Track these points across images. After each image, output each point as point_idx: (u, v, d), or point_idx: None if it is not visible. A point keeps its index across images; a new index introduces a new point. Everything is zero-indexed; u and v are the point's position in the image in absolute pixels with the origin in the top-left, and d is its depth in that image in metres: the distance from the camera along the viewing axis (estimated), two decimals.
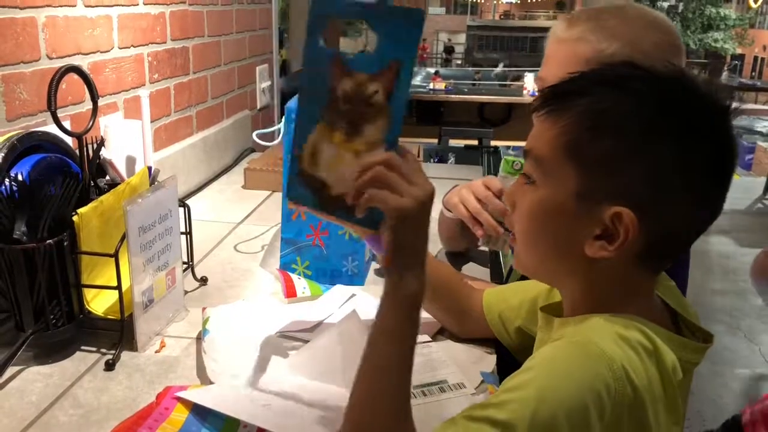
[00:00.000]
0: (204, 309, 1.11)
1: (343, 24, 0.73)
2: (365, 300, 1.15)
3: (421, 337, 1.07)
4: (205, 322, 1.06)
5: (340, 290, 1.19)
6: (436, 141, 6.00)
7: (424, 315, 1.10)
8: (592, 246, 0.69)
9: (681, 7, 23.79)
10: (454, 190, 1.26)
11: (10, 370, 0.96)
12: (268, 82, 2.57)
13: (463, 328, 1.08)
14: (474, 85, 7.26)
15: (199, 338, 1.06)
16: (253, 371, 0.95)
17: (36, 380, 0.95)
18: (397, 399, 0.69)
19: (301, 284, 1.22)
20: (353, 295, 1.18)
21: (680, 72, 0.70)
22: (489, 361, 1.03)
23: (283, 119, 1.24)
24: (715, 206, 0.71)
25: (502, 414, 0.59)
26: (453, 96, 6.42)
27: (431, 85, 6.48)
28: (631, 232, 0.66)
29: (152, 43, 1.62)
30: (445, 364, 1.00)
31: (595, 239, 0.68)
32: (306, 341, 1.03)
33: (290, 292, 1.20)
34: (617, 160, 0.66)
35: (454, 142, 6.04)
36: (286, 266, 1.30)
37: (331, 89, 0.70)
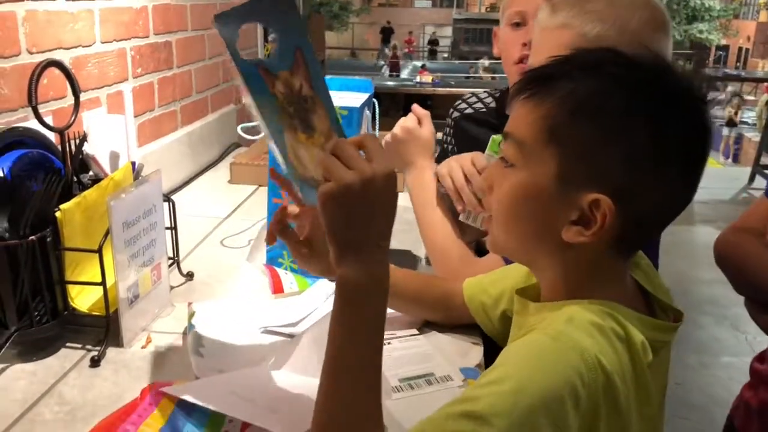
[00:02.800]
0: (190, 304, 1.10)
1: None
2: None
3: (408, 330, 1.07)
4: (190, 316, 1.06)
5: (324, 284, 1.19)
6: None
7: None
8: (568, 231, 0.69)
9: None
10: (446, 160, 1.27)
11: None
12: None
13: (448, 319, 1.09)
14: (467, 78, 7.24)
15: (185, 333, 1.05)
16: (238, 366, 0.94)
17: (20, 378, 0.94)
18: (353, 397, 0.66)
19: (289, 279, 1.22)
20: None
21: (659, 59, 0.70)
22: (476, 352, 1.03)
23: None
24: (689, 192, 0.71)
25: (479, 408, 0.59)
26: (440, 89, 6.42)
27: (418, 78, 6.49)
28: (608, 218, 0.67)
29: (135, 38, 1.61)
30: (431, 356, 1.01)
31: (572, 224, 0.69)
32: (291, 336, 1.02)
33: (277, 288, 1.20)
34: (596, 145, 0.67)
35: (440, 136, 6.05)
36: (272, 261, 1.29)
37: (273, 96, 0.70)
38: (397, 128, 1.27)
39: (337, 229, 0.67)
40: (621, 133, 0.67)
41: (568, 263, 0.73)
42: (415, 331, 1.07)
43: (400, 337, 1.05)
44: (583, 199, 0.67)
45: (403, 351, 1.02)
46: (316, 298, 1.15)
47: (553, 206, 0.70)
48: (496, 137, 1.16)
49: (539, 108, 0.69)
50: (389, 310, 1.08)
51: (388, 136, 1.28)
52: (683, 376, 3.18)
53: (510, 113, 0.75)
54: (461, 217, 1.19)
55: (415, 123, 1.26)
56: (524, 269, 0.90)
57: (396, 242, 1.41)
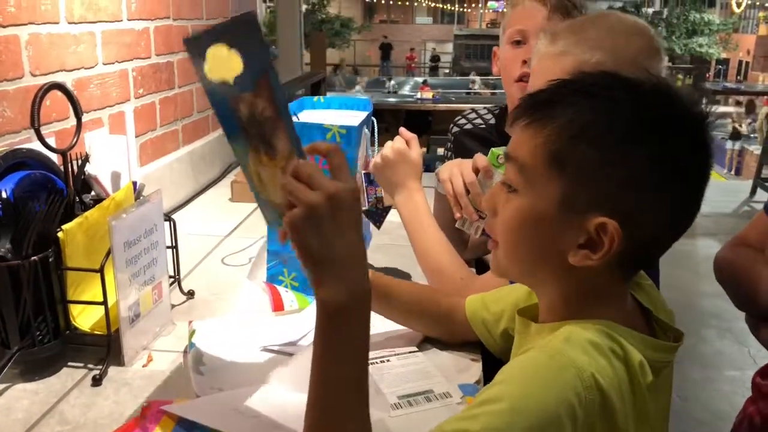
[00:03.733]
0: (190, 322, 1.11)
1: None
2: None
3: (407, 348, 1.08)
4: (191, 335, 1.06)
5: None
6: (425, 150, 6.02)
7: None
8: (575, 255, 0.69)
9: (666, 12, 24.03)
10: (448, 163, 1.28)
11: None
12: None
13: (451, 335, 1.10)
14: (467, 94, 7.26)
15: (185, 351, 1.06)
16: (238, 384, 0.95)
17: (22, 397, 0.95)
18: (339, 413, 0.66)
19: (289, 297, 1.23)
20: None
21: (659, 81, 0.71)
22: (475, 369, 1.04)
23: None
24: (692, 212, 0.72)
25: (476, 426, 0.59)
26: (441, 105, 6.45)
27: (419, 95, 6.52)
28: (615, 242, 0.67)
29: (137, 58, 1.63)
30: (430, 374, 1.01)
31: (579, 248, 0.69)
32: (291, 354, 1.03)
33: (277, 306, 1.20)
34: (599, 169, 0.67)
35: (442, 151, 6.07)
36: (273, 278, 1.30)
37: (237, 118, 0.70)
38: (387, 150, 1.28)
39: (310, 251, 0.66)
40: (622, 157, 0.67)
41: (571, 285, 0.73)
42: (414, 348, 1.08)
43: (399, 354, 1.06)
44: (589, 223, 0.68)
45: (402, 368, 1.02)
46: (314, 317, 1.15)
47: (557, 230, 0.70)
48: (495, 150, 1.17)
49: (540, 133, 0.70)
50: (391, 327, 1.09)
51: (377, 157, 1.29)
52: (687, 390, 3.17)
53: (511, 136, 0.75)
54: (457, 224, 1.22)
55: (405, 145, 1.28)
56: (525, 288, 0.91)
57: (388, 259, 1.43)
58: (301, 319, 1.15)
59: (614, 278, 0.72)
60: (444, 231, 1.26)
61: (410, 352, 1.06)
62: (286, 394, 0.92)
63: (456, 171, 1.22)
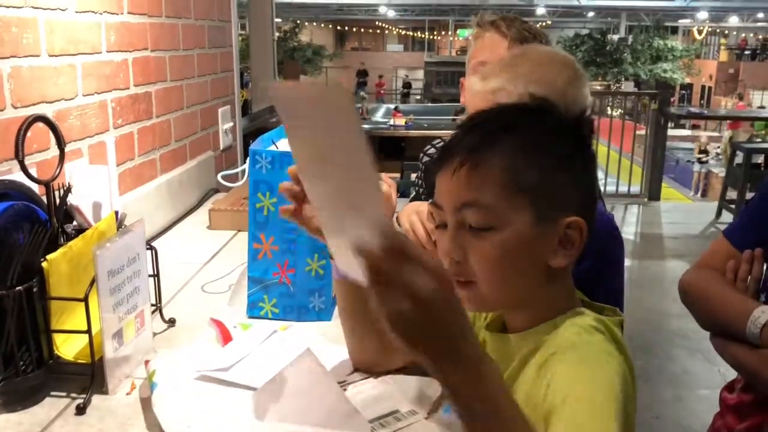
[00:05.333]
0: (147, 362, 1.10)
1: None
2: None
3: (359, 374, 1.09)
4: (151, 375, 1.05)
5: (260, 329, 1.22)
6: (398, 175, 6.07)
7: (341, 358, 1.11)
8: (555, 258, 0.79)
9: (630, 39, 24.61)
10: (406, 209, 1.33)
11: None
12: (231, 123, 2.60)
13: (397, 359, 1.06)
14: (454, 120, 7.33)
15: (151, 392, 1.02)
16: (207, 420, 0.95)
17: (6, 428, 0.95)
18: None
19: (237, 332, 1.22)
20: (274, 331, 1.22)
21: (543, 100, 0.85)
22: (432, 385, 1.03)
23: (247, 161, 1.27)
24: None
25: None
26: (413, 131, 6.52)
27: (392, 121, 6.58)
28: (583, 233, 0.79)
29: (115, 89, 1.65)
30: (390, 395, 1.03)
31: (556, 251, 0.79)
32: (247, 385, 1.04)
33: (226, 339, 1.20)
34: (553, 176, 0.79)
35: (414, 177, 6.12)
36: (253, 305, 1.32)
37: None
38: None
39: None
40: (566, 160, 0.80)
41: (549, 286, 0.82)
42: (366, 375, 1.08)
43: (354, 382, 1.07)
44: (559, 225, 0.78)
45: (362, 395, 1.03)
46: (251, 343, 1.17)
47: (537, 244, 0.79)
48: None
49: (492, 170, 0.77)
50: (339, 357, 1.09)
51: None
52: (660, 409, 3.22)
53: (448, 181, 0.80)
54: None
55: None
56: None
57: None
58: (236, 346, 1.16)
59: (568, 269, 0.83)
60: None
61: (363, 379, 1.07)
62: (272, 425, 0.94)
63: (415, 219, 1.28)
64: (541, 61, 1.18)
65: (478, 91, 1.18)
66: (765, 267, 1.19)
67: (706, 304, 1.22)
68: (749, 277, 1.18)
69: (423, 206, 1.28)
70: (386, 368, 1.07)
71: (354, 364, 1.10)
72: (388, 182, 1.35)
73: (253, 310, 1.33)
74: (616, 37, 24.91)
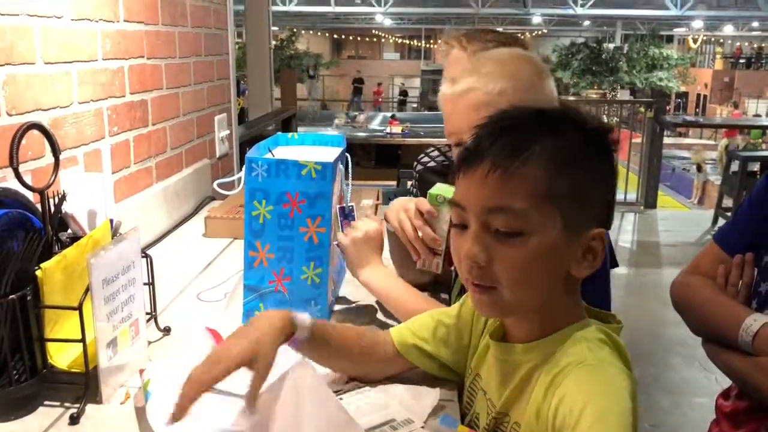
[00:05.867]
0: (142, 371, 1.08)
1: None
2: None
3: (353, 383, 1.08)
4: (145, 385, 1.03)
5: None
6: (395, 183, 6.08)
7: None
8: (579, 267, 0.81)
9: (626, 48, 24.69)
10: (393, 206, 1.34)
11: None
12: (227, 131, 2.60)
13: (373, 371, 1.09)
14: (435, 128, 7.34)
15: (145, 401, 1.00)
16: (204, 427, 0.94)
17: None
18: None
19: None
20: None
21: (574, 109, 0.86)
22: (425, 393, 1.05)
23: (243, 168, 1.26)
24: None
25: None
26: (409, 139, 6.53)
27: (388, 129, 6.59)
28: (604, 244, 0.80)
29: (111, 97, 1.65)
30: (387, 404, 1.02)
31: (580, 261, 0.80)
32: (242, 395, 1.02)
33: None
34: (585, 188, 0.79)
35: (409, 185, 6.12)
36: (249, 313, 1.31)
37: None
38: (360, 233, 1.31)
39: None
40: (597, 171, 0.80)
41: (568, 296, 0.84)
42: (361, 385, 1.08)
43: (349, 391, 1.06)
44: (585, 236, 0.80)
45: (358, 403, 1.02)
46: None
47: (563, 252, 0.80)
48: (432, 192, 1.26)
49: (526, 178, 0.77)
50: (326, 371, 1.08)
51: (347, 239, 1.32)
52: (656, 418, 3.21)
53: (478, 184, 0.80)
54: (418, 264, 1.28)
55: (371, 225, 1.34)
56: (444, 311, 1.03)
57: (362, 295, 1.44)
58: None
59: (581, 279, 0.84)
60: (400, 262, 1.36)
61: (358, 388, 1.07)
62: None
63: (403, 216, 1.29)
64: (502, 59, 1.21)
65: (449, 96, 1.20)
66: (756, 272, 1.19)
67: (697, 310, 1.22)
68: (740, 282, 1.18)
69: (410, 203, 1.29)
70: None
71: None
72: (376, 220, 1.36)
73: (249, 318, 1.32)
74: (611, 46, 24.98)
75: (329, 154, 1.36)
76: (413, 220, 1.27)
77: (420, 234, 1.26)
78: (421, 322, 1.06)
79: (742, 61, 29.77)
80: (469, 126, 1.17)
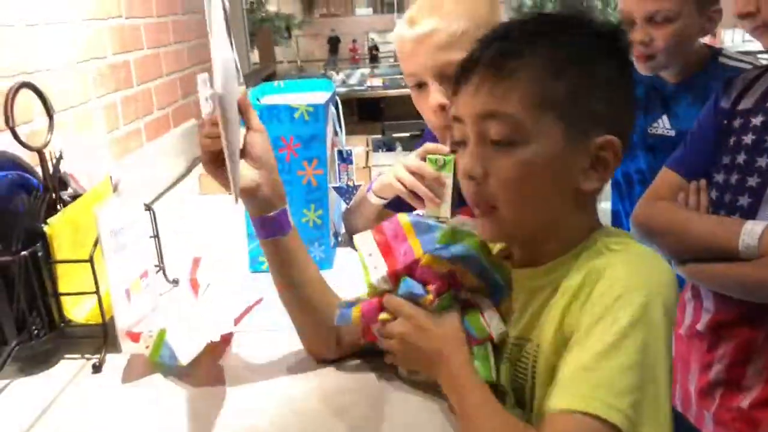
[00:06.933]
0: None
1: None
2: None
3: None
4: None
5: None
6: (380, 136, 6.04)
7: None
8: (587, 180, 0.75)
9: None
10: (382, 176, 1.30)
11: None
12: (210, 90, 2.57)
13: (327, 348, 0.99)
14: None
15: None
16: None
17: (24, 392, 0.97)
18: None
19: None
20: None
21: (582, 13, 0.82)
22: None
23: None
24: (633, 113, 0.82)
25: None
26: (391, 91, 6.48)
27: (369, 83, 6.53)
28: (618, 154, 0.74)
29: (94, 58, 1.63)
30: None
31: (588, 172, 0.75)
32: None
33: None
34: (585, 92, 0.73)
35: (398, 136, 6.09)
36: (254, 260, 1.33)
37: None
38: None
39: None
40: (600, 76, 0.74)
41: (581, 214, 0.79)
42: None
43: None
44: (591, 145, 0.74)
45: None
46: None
47: (566, 164, 0.74)
48: (431, 157, 1.18)
49: (517, 80, 0.73)
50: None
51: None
52: None
53: (471, 93, 0.76)
54: (425, 214, 1.19)
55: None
56: None
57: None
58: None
59: (596, 194, 0.79)
60: None
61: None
62: None
63: (399, 169, 1.21)
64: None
65: (410, 38, 1.17)
66: (713, 190, 1.21)
67: (678, 228, 1.20)
68: (701, 207, 1.20)
69: (406, 159, 1.23)
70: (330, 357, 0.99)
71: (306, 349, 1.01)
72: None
73: (255, 265, 1.34)
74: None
75: (320, 97, 1.37)
76: (411, 166, 1.20)
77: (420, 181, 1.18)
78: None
79: None
80: (434, 66, 1.15)
